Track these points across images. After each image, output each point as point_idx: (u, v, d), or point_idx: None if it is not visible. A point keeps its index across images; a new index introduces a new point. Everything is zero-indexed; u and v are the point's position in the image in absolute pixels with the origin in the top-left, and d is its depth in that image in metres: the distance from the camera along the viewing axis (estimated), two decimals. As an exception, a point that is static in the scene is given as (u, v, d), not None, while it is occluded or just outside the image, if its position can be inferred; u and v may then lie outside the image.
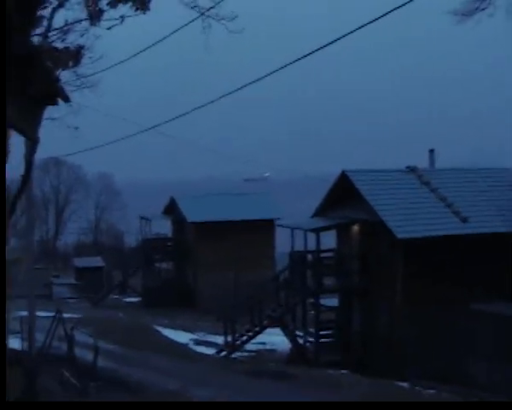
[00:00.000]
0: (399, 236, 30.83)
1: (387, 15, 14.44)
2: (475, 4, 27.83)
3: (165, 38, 21.27)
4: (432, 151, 38.08)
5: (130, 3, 14.65)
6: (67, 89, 18.46)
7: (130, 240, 77.60)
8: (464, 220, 32.20)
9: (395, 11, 14.29)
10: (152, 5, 15.57)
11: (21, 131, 6.32)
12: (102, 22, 15.85)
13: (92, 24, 16.12)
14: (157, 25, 22.52)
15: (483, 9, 28.04)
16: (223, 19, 18.38)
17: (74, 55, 16.79)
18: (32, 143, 17.74)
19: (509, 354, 25.31)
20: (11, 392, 8.69)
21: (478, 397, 22.99)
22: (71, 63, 17.26)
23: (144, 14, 15.13)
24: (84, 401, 8.51)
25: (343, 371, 29.57)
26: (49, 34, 17.35)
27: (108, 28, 15.95)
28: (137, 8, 14.31)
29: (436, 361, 28.87)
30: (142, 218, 60.86)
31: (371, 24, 14.91)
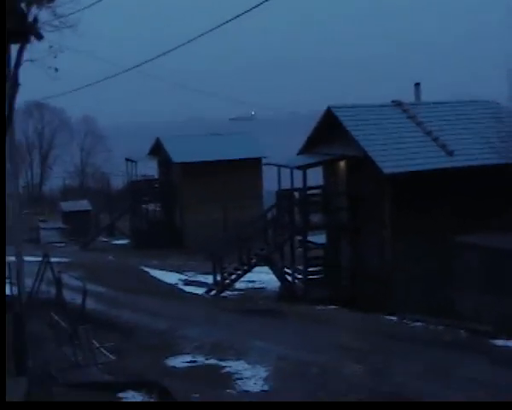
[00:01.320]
0: (386, 171, 30.90)
1: None
2: None
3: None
4: (417, 85, 38.01)
5: None
6: (46, 29, 18.33)
7: (117, 183, 77.47)
8: (450, 154, 32.28)
9: None
10: None
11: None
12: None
13: None
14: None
15: None
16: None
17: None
18: (12, 85, 17.67)
19: (497, 286, 25.59)
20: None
21: (460, 326, 23.35)
22: (46, 1, 17.10)
23: None
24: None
25: (332, 307, 29.88)
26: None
27: None
28: None
29: (423, 294, 29.16)
30: (127, 160, 60.75)
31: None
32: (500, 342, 21.19)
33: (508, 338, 21.18)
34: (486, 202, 31.59)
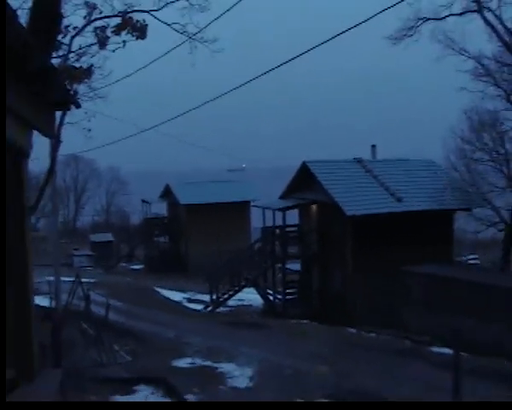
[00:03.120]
0: (348, 213, 31.11)
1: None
2: (403, 32, 28.26)
3: (159, 57, 21.48)
4: (373, 146, 38.38)
5: (132, 32, 14.83)
6: (83, 99, 18.61)
7: (135, 219, 77.36)
8: (399, 200, 32.54)
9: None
10: (148, 32, 15.77)
11: (42, 131, 6.53)
12: (108, 46, 16.01)
13: (101, 48, 16.28)
14: (154, 47, 22.63)
15: (410, 36, 28.48)
16: (206, 41, 18.57)
17: (87, 72, 16.96)
18: (55, 142, 17.82)
19: (434, 305, 25.73)
20: (42, 340, 8.89)
21: (407, 337, 23.45)
22: (85, 78, 17.43)
23: (142, 40, 15.29)
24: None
25: (305, 321, 29.91)
26: (69, 56, 17.46)
27: (113, 51, 16.11)
28: (137, 37, 14.48)
29: (378, 312, 29.25)
30: (143, 201, 60.91)
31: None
32: (436, 349, 21.33)
33: (441, 346, 21.30)
34: (427, 239, 31.83)
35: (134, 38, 14.60)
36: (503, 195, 33.88)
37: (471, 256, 49.94)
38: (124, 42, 14.56)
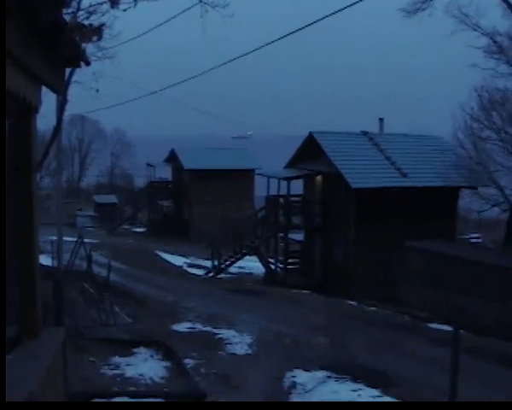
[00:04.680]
0: (353, 186, 31.09)
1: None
2: (417, 5, 27.99)
3: (169, 19, 21.27)
4: (381, 119, 38.16)
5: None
6: (91, 58, 18.45)
7: (139, 182, 77.26)
8: (404, 175, 32.47)
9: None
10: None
11: (51, 87, 6.47)
12: (120, 5, 15.81)
13: (112, 7, 16.07)
14: (164, 9, 22.38)
15: (423, 10, 28.21)
16: (217, 6, 18.37)
17: (97, 31, 16.74)
18: (62, 102, 17.73)
19: (433, 281, 25.77)
20: (44, 299, 8.90)
21: (407, 313, 23.54)
22: (94, 38, 17.23)
23: (155, 0, 15.11)
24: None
25: (305, 291, 30.00)
26: (78, 14, 17.27)
27: (124, 10, 15.91)
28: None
29: (379, 286, 29.32)
30: (148, 165, 60.83)
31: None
32: (434, 326, 21.43)
33: (440, 322, 21.39)
34: (431, 215, 31.81)
35: (146, -1, 14.41)
36: (510, 174, 33.72)
37: (474, 235, 49.90)
38: (135, 1, 14.36)
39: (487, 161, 33.06)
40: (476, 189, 33.57)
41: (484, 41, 31.36)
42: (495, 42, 31.13)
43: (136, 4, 14.21)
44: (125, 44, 20.76)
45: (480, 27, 30.72)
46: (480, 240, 49.36)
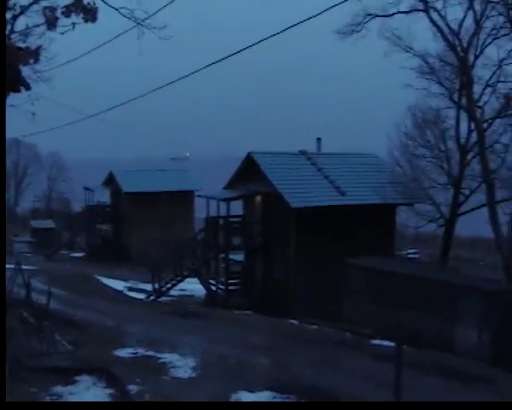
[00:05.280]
0: (292, 205, 31.32)
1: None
2: (352, 27, 28.61)
3: (106, 42, 21.19)
4: (319, 139, 38.62)
5: (82, 14, 14.52)
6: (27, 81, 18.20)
7: (77, 206, 76.41)
8: (343, 194, 32.90)
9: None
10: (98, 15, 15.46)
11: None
12: (58, 28, 15.64)
13: (49, 29, 15.88)
14: (101, 32, 22.28)
15: (358, 31, 28.85)
16: (154, 27, 18.31)
17: (34, 54, 16.51)
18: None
19: (374, 298, 26.07)
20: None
21: (349, 330, 23.74)
22: (31, 60, 17.01)
23: (93, 23, 15.00)
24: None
25: (247, 312, 30.00)
26: (12, 36, 17.07)
27: (62, 33, 15.74)
28: (87, 19, 14.20)
29: (319, 304, 29.51)
30: (86, 188, 60.15)
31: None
32: (376, 342, 21.66)
33: (382, 338, 21.65)
34: (370, 232, 32.28)
35: (83, 21, 14.29)
36: (444, 191, 34.59)
37: (411, 250, 50.87)
38: (73, 24, 14.23)
39: (422, 177, 33.90)
40: (412, 205, 34.31)
41: (416, 62, 32.26)
42: (427, 63, 32.04)
43: (74, 27, 14.11)
44: (61, 67, 20.60)
45: (412, 49, 31.58)
46: (417, 255, 50.35)
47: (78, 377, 14.07)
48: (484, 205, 30.74)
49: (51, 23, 13.82)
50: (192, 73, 19.54)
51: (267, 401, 13.66)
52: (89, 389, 13.35)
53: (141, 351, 18.51)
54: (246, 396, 13.99)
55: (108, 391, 13.34)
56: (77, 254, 61.37)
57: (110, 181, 58.79)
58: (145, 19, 17.85)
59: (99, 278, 40.23)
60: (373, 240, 31.86)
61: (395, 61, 31.86)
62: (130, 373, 15.10)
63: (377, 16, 30.28)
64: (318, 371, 16.78)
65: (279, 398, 13.79)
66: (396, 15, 30.59)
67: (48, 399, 12.47)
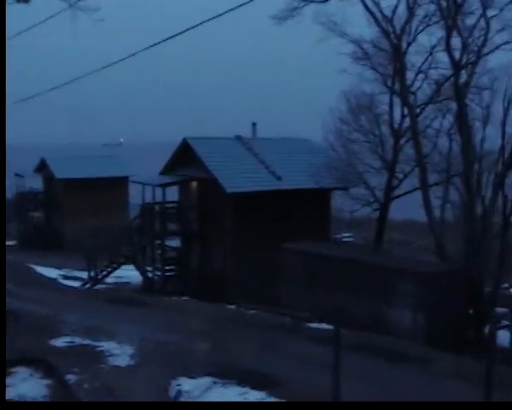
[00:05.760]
0: (228, 190, 31.34)
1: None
2: (287, 13, 28.70)
3: (38, 23, 20.65)
4: (254, 124, 38.66)
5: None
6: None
7: (7, 193, 74.68)
8: (278, 178, 33.05)
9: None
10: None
11: None
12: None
13: None
14: (33, 14, 21.70)
15: (293, 17, 28.97)
16: (88, 10, 17.94)
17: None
18: None
19: (310, 281, 26.37)
20: None
21: (287, 314, 23.95)
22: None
23: (26, 3, 14.61)
24: (83, 402, 8.27)
25: (184, 298, 29.94)
26: None
27: None
28: (19, 0, 13.84)
29: (257, 289, 29.66)
30: (16, 175, 58.78)
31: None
32: (314, 325, 21.92)
33: (319, 322, 21.93)
34: (305, 216, 32.56)
35: (15, 1, 13.91)
36: (378, 175, 35.08)
37: (346, 234, 51.51)
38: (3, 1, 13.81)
39: (357, 162, 34.30)
40: (347, 189, 34.71)
41: (351, 48, 32.53)
42: (361, 48, 32.36)
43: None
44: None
45: (346, 34, 31.82)
46: (352, 239, 51.04)
47: (13, 369, 13.75)
48: (417, 188, 31.30)
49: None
50: (128, 57, 19.24)
51: (207, 386, 13.64)
52: (25, 381, 13.08)
53: (78, 340, 18.22)
54: (186, 382, 13.95)
55: (46, 382, 13.10)
56: (8, 243, 60.01)
57: (42, 167, 57.64)
58: (78, 1, 17.48)
59: (32, 266, 39.46)
60: (309, 224, 32.17)
61: (330, 46, 32.05)
62: (67, 363, 14.84)
63: (312, 1, 30.36)
64: (258, 356, 16.86)
65: (219, 383, 13.79)
66: (331, 1, 30.78)
67: (-17, 391, 12.15)
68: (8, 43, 21.04)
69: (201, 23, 14.41)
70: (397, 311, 22.81)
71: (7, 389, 12.22)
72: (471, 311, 24.25)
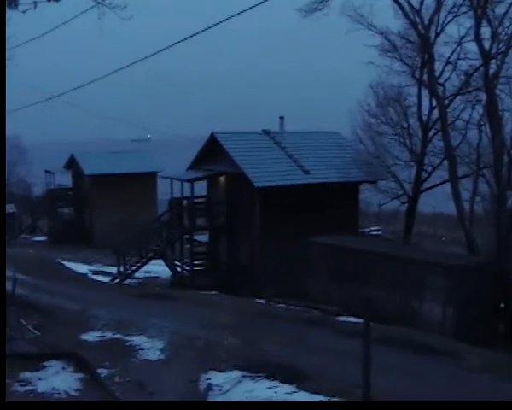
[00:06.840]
0: (257, 185, 31.30)
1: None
2: (314, 5, 28.60)
3: (67, 21, 20.83)
4: (282, 118, 38.55)
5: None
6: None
7: (38, 190, 75.31)
8: (306, 172, 32.96)
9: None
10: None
11: None
12: (19, 6, 15.25)
13: (10, 7, 15.49)
14: (62, 11, 21.85)
15: (320, 9, 28.88)
16: (115, 7, 18.00)
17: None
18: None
19: (335, 274, 26.30)
20: None
21: (316, 308, 23.94)
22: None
23: (56, 1, 14.68)
24: (83, 401, 8.36)
25: (213, 292, 30.02)
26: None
27: (24, 11, 15.36)
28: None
29: (285, 282, 29.63)
30: (46, 171, 59.33)
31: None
32: (343, 318, 21.90)
33: (348, 315, 21.89)
34: (333, 210, 32.41)
35: (46, 0, 13.97)
36: (407, 168, 34.91)
37: (374, 227, 51.26)
38: (35, 2, 13.90)
39: (385, 155, 34.15)
40: (375, 182, 34.56)
41: (378, 40, 32.38)
42: (388, 40, 32.18)
43: (36, 6, 13.80)
44: (21, 47, 20.18)
45: (374, 27, 31.68)
46: (380, 232, 50.77)
47: (45, 363, 13.95)
48: (446, 181, 31.07)
49: (12, 1, 13.48)
50: (152, 54, 19.35)
51: (237, 380, 13.69)
52: (57, 374, 13.25)
53: (108, 334, 18.42)
54: (216, 376, 14.03)
55: (78, 376, 13.26)
56: (39, 239, 60.64)
57: (71, 164, 58.08)
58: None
59: (62, 261, 39.80)
60: (337, 218, 32.02)
61: (357, 39, 31.93)
62: (98, 357, 15.02)
63: (339, -6, 30.28)
64: (288, 349, 16.89)
65: (249, 377, 13.84)
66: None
67: (17, 386, 12.34)
68: (39, 42, 21.20)
69: (227, 19, 14.43)
70: (426, 304, 22.67)
71: (39, 383, 12.39)
72: (502, 305, 24.00)
